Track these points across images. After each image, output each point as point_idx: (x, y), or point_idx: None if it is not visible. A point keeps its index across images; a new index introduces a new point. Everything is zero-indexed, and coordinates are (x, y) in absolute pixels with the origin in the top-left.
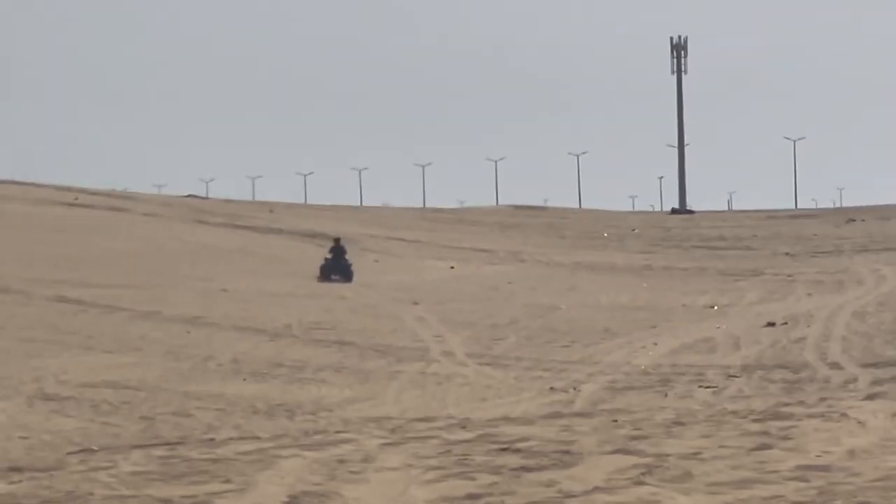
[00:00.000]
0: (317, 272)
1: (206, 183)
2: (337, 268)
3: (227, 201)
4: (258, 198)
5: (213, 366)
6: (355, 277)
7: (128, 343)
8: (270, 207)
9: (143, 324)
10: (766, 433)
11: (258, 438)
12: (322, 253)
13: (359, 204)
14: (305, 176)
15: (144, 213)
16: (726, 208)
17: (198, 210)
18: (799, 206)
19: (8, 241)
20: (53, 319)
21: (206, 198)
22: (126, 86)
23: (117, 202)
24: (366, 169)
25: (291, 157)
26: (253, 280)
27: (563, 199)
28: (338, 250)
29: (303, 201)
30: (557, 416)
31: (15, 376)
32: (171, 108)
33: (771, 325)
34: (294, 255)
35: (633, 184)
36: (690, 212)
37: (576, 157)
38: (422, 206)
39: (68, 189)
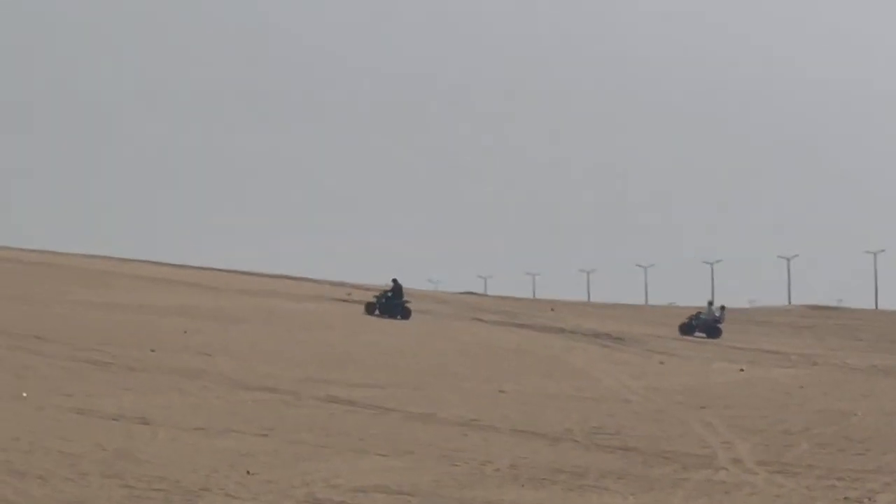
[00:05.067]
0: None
1: (484, 279)
2: (393, 307)
3: (505, 298)
4: (538, 295)
5: (490, 471)
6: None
7: (400, 446)
8: (551, 305)
9: (416, 426)
10: None
11: None
12: (611, 354)
13: (644, 302)
14: (588, 273)
15: (419, 310)
16: None
17: (475, 307)
18: None
19: (278, 340)
20: (323, 421)
21: (484, 295)
22: (399, 180)
23: None
24: (652, 266)
25: (573, 253)
26: (532, 381)
27: (859, 299)
28: (396, 290)
29: (585, 299)
30: None
31: (284, 480)
32: (446, 202)
33: None
34: (575, 356)
35: None
36: None
37: (872, 255)
38: None
39: (342, 284)
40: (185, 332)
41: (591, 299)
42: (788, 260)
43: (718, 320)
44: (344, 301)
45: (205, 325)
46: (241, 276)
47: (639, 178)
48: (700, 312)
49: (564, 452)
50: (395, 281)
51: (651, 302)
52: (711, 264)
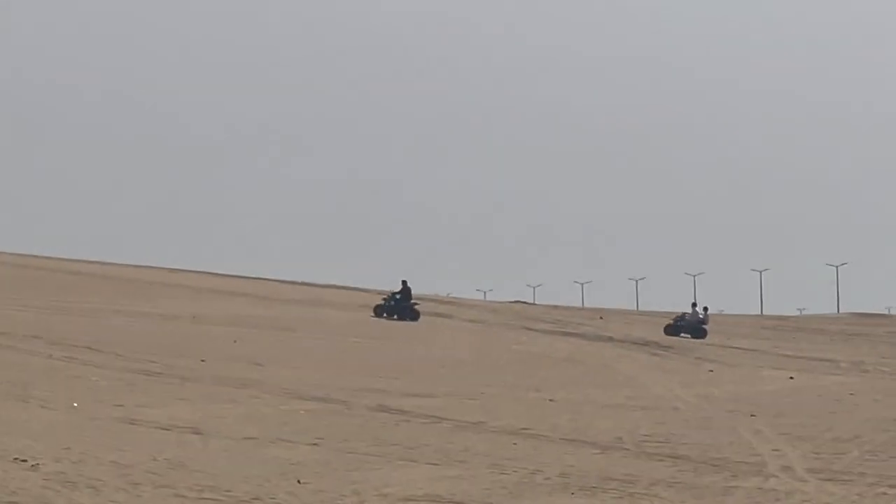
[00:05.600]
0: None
1: (533, 288)
2: (401, 309)
3: (555, 307)
4: (587, 304)
5: (541, 479)
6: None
7: (451, 455)
8: (600, 314)
9: (467, 435)
10: None
11: None
12: (661, 361)
13: None
14: (637, 281)
15: (469, 319)
16: None
17: (524, 316)
18: None
19: (328, 349)
20: (374, 430)
21: (533, 303)
22: (447, 190)
23: (442, 308)
24: (701, 274)
25: (622, 262)
26: (582, 390)
27: None
28: (405, 292)
29: (634, 307)
30: None
31: (335, 489)
32: (495, 213)
33: None
34: (625, 365)
35: None
36: None
37: None
38: (759, 313)
39: (391, 293)
40: (236, 341)
41: (640, 308)
42: (837, 268)
43: (703, 321)
44: None
45: (255, 335)
46: (291, 285)
47: (687, 186)
48: (685, 314)
49: (614, 461)
50: (404, 283)
51: None
52: (760, 272)
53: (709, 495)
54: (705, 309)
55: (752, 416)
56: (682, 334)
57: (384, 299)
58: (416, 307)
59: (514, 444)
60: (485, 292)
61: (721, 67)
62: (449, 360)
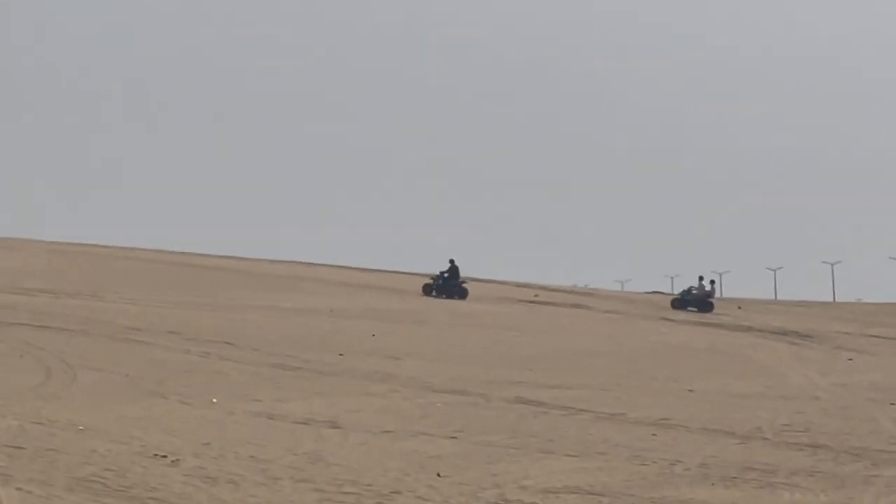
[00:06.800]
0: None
1: (671, 279)
2: (449, 287)
3: None
4: (726, 294)
5: (680, 470)
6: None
7: (591, 447)
8: (739, 304)
9: (606, 426)
10: None
11: None
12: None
13: (832, 299)
14: (775, 271)
15: (606, 311)
16: None
17: (662, 307)
18: None
19: (465, 341)
20: (512, 422)
21: (672, 294)
22: (587, 184)
23: (578, 299)
24: (838, 263)
25: (760, 251)
26: (720, 380)
27: None
28: (452, 270)
29: (772, 297)
30: None
31: (474, 482)
32: (634, 205)
33: None
34: (763, 354)
35: None
36: None
37: None
38: None
39: (528, 286)
40: (374, 335)
41: (778, 297)
42: None
43: (710, 294)
44: (531, 302)
45: (392, 328)
46: (427, 278)
47: (826, 175)
48: (692, 287)
49: (754, 450)
50: (451, 262)
51: (838, 299)
52: None
53: (849, 485)
54: (712, 282)
55: (891, 404)
56: (689, 308)
57: (433, 278)
58: (464, 285)
59: (654, 434)
60: (622, 283)
61: None
62: (587, 351)
